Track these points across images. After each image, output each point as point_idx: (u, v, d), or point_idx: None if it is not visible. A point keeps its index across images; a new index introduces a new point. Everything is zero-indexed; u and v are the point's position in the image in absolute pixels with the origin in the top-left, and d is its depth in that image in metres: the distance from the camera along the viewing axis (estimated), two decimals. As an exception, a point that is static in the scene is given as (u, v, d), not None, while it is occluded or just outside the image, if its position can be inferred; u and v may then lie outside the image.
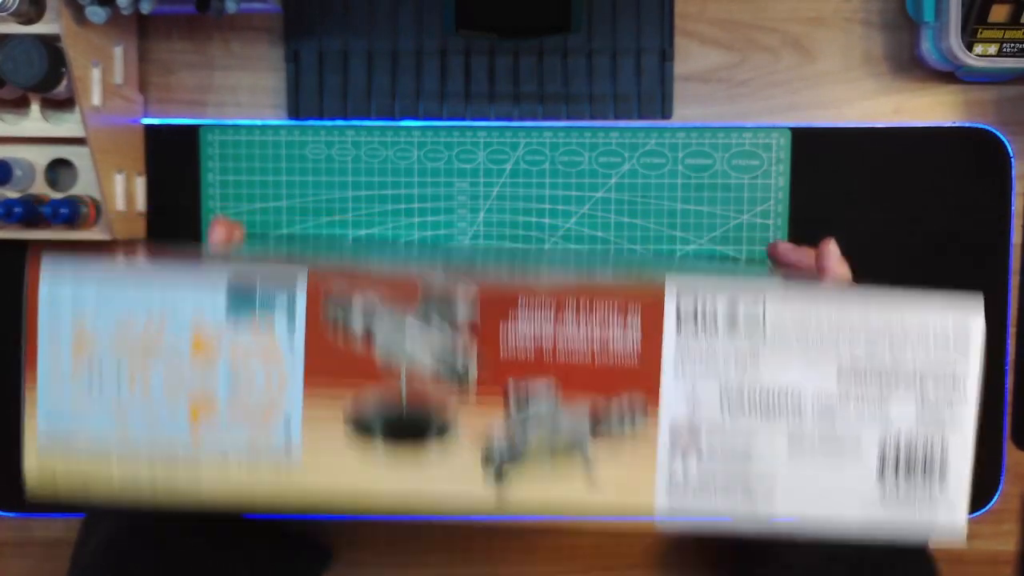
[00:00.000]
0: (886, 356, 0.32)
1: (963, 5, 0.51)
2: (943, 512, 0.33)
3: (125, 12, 0.47)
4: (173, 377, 0.33)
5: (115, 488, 0.33)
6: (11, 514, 0.57)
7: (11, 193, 0.53)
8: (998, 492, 0.56)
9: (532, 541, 0.58)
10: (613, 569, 0.58)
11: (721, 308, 0.32)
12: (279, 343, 0.32)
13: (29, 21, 0.47)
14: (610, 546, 0.57)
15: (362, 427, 0.33)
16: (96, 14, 0.46)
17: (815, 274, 0.45)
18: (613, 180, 0.56)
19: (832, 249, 0.46)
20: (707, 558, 0.57)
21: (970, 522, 0.57)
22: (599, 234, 0.56)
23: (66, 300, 0.33)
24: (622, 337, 0.32)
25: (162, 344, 0.32)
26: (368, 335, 0.32)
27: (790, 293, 0.32)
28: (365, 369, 0.32)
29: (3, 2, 0.45)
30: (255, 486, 0.33)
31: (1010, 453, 0.56)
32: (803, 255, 0.48)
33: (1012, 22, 0.51)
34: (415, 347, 0.32)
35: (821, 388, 0.32)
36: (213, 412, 0.33)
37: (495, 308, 0.32)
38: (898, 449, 0.33)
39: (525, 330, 0.32)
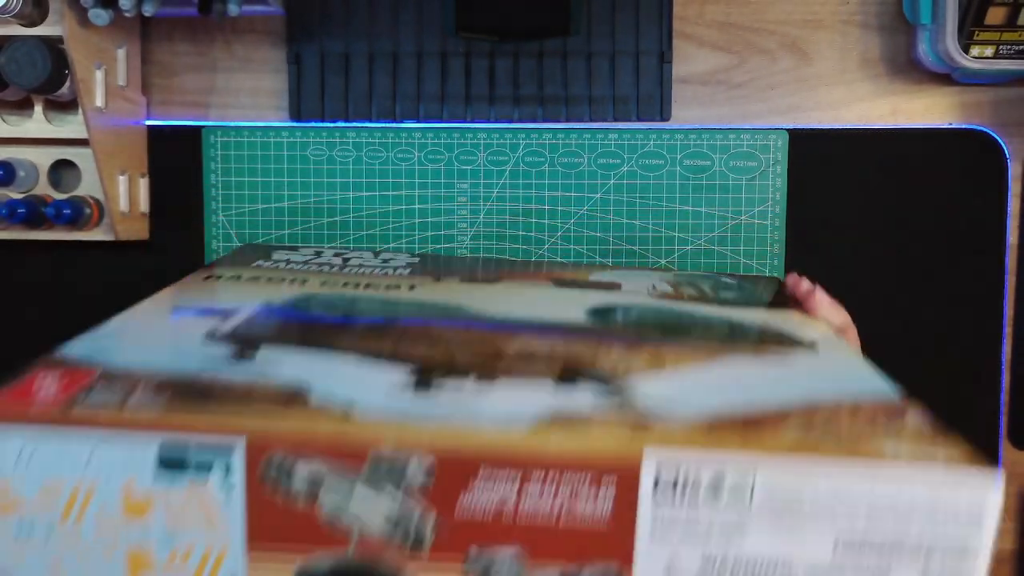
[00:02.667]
0: (889, 529, 0.29)
1: (960, 7, 0.51)
2: None
3: (128, 14, 0.47)
4: (107, 536, 0.31)
5: None
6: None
7: (14, 194, 0.54)
8: (995, 491, 0.57)
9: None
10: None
11: (705, 479, 0.29)
12: (218, 505, 0.30)
13: (32, 23, 0.48)
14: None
15: None
16: (99, 16, 0.47)
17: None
18: (612, 181, 0.56)
19: (820, 299, 0.45)
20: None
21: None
22: (598, 235, 0.56)
23: None
24: (593, 505, 0.30)
25: (92, 505, 0.31)
26: (313, 499, 0.30)
27: (783, 465, 0.29)
28: (312, 532, 0.30)
29: (6, 4, 0.45)
30: None
31: (1007, 452, 0.57)
32: (804, 296, 0.46)
33: (1008, 24, 0.51)
34: (365, 511, 0.30)
35: (815, 561, 0.30)
36: (151, 570, 0.31)
37: (452, 475, 0.29)
38: None
39: (486, 497, 0.30)
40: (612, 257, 0.57)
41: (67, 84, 0.49)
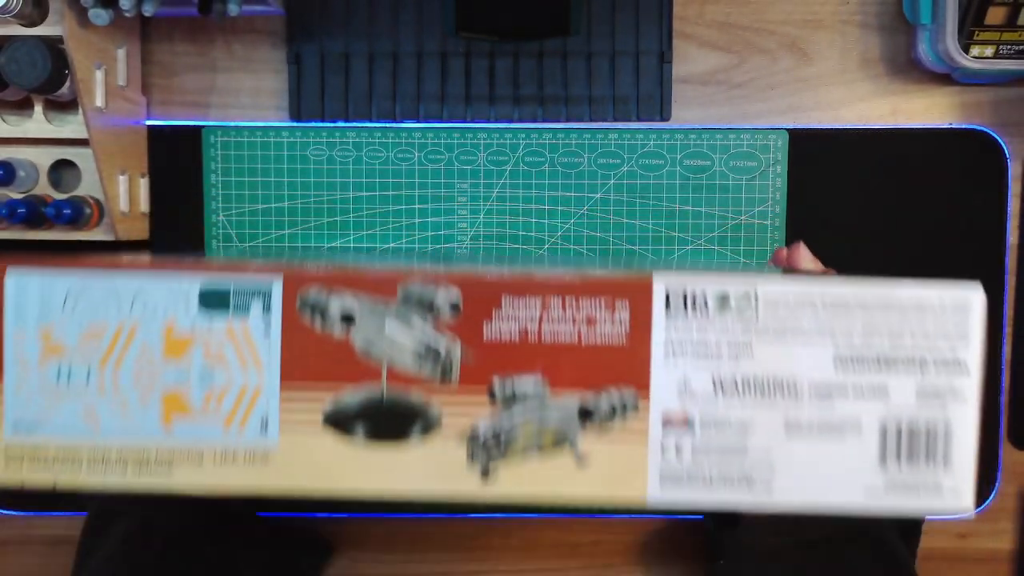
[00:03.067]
0: (884, 342, 0.32)
1: (960, 7, 0.51)
2: (948, 497, 0.32)
3: (128, 14, 0.47)
4: (145, 378, 0.32)
5: (84, 483, 0.33)
6: (13, 512, 0.58)
7: (14, 194, 0.54)
8: (995, 491, 0.57)
9: (531, 538, 0.58)
10: (612, 566, 0.58)
11: (711, 293, 0.32)
12: (255, 342, 0.32)
13: (32, 23, 0.48)
14: (609, 543, 0.58)
15: (342, 425, 0.32)
16: (99, 16, 0.47)
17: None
18: (612, 181, 0.56)
19: (804, 253, 0.46)
20: (704, 554, 0.58)
21: (967, 521, 0.57)
22: (598, 235, 0.56)
23: (32, 306, 0.32)
24: (610, 327, 0.32)
25: (133, 347, 0.32)
26: (347, 333, 0.32)
27: (782, 279, 0.32)
28: (344, 367, 0.32)
29: (6, 4, 0.45)
30: (230, 482, 0.33)
31: (1007, 452, 0.57)
32: (790, 253, 0.48)
33: (1008, 24, 0.51)
34: (395, 344, 0.32)
35: (818, 375, 0.32)
36: (186, 412, 0.32)
37: (478, 305, 0.32)
38: (899, 434, 0.32)
39: (510, 325, 0.32)
40: (612, 257, 0.57)
41: (67, 84, 0.49)
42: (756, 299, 0.32)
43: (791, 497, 0.32)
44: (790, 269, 0.48)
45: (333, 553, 0.56)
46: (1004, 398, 0.56)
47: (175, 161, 0.56)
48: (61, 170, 0.55)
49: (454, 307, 0.32)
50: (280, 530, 0.52)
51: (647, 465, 0.32)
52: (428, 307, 0.32)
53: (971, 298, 0.32)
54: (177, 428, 0.32)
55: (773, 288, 0.32)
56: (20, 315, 0.32)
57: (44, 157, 0.54)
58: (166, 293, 0.32)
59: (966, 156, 0.56)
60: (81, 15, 0.47)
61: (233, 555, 0.48)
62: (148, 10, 0.47)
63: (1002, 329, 0.56)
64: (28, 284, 0.32)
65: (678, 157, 0.56)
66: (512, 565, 0.58)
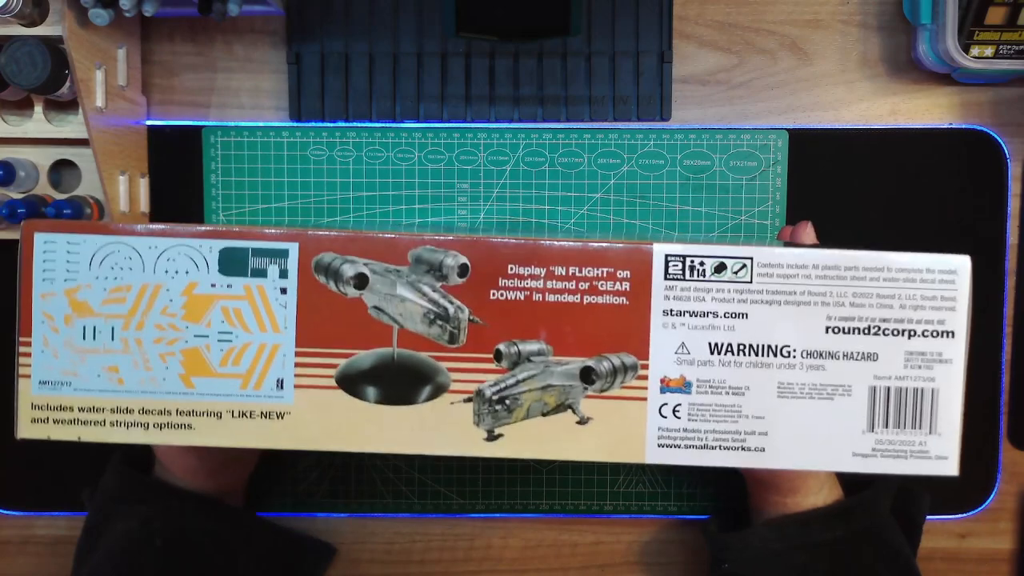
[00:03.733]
0: (874, 309, 0.33)
1: (960, 7, 0.51)
2: (935, 459, 0.33)
3: (128, 14, 0.47)
4: (166, 337, 0.34)
5: (107, 438, 0.34)
6: (14, 512, 0.58)
7: (14, 194, 0.54)
8: (994, 491, 0.57)
9: (531, 538, 0.58)
10: (612, 566, 0.58)
11: (709, 261, 0.33)
12: (272, 305, 0.33)
13: (32, 23, 0.48)
14: (609, 543, 0.58)
15: (354, 385, 0.33)
16: (99, 16, 0.47)
17: None
18: (612, 181, 0.56)
19: (808, 231, 0.47)
20: (706, 555, 0.58)
21: (966, 521, 0.57)
22: (598, 234, 0.56)
23: (59, 266, 0.33)
24: (612, 294, 0.33)
25: (155, 307, 0.33)
26: (359, 297, 0.33)
27: (777, 248, 0.33)
28: (356, 329, 0.33)
29: (6, 4, 0.45)
30: (247, 437, 0.34)
31: (1006, 452, 0.57)
32: (796, 229, 0.49)
33: (1009, 24, 0.51)
34: (406, 308, 0.33)
35: (810, 340, 0.33)
36: (206, 371, 0.34)
37: (485, 271, 0.33)
38: (888, 397, 0.33)
39: (516, 291, 0.33)
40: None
41: (67, 84, 0.49)
42: (752, 267, 0.33)
43: (783, 458, 0.34)
44: (791, 244, 0.49)
45: (335, 555, 0.56)
46: (1004, 398, 0.56)
47: (175, 161, 0.56)
48: (61, 170, 0.55)
49: (462, 273, 0.33)
50: (281, 532, 0.52)
51: (646, 427, 0.33)
52: (437, 272, 0.33)
53: (958, 265, 0.33)
54: (197, 386, 0.34)
55: (768, 256, 0.33)
56: (47, 275, 0.33)
57: (44, 157, 0.54)
58: (188, 255, 0.33)
59: (966, 156, 0.56)
60: (81, 15, 0.47)
61: (233, 556, 0.48)
62: (148, 10, 0.47)
63: (1002, 329, 0.56)
64: (56, 245, 0.33)
65: (678, 157, 0.56)
66: (512, 565, 0.58)
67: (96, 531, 0.48)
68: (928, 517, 0.51)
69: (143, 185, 0.56)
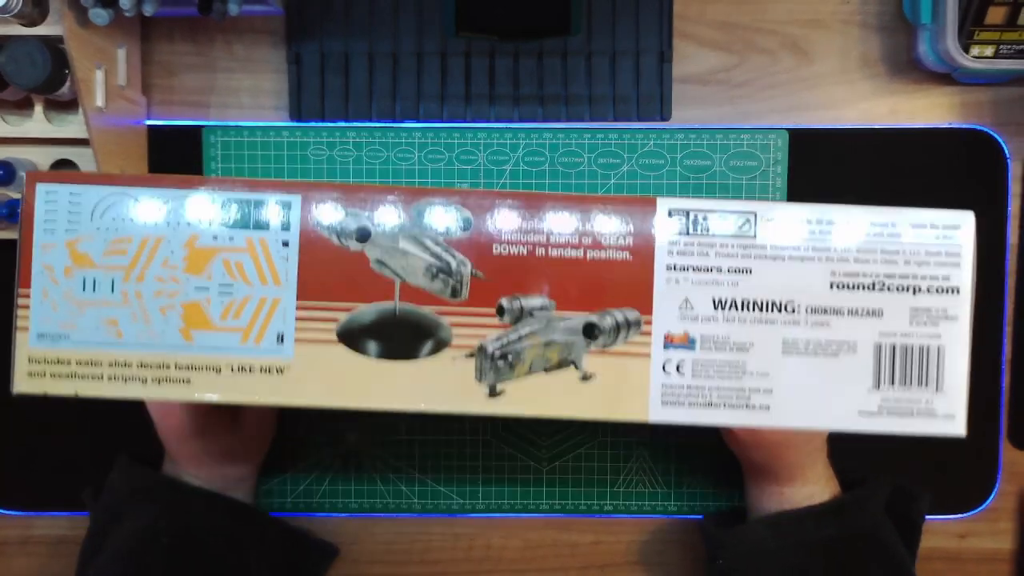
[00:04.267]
0: (879, 265, 0.32)
1: (960, 7, 0.51)
2: (941, 419, 0.33)
3: (128, 14, 0.47)
4: (167, 290, 0.33)
5: (104, 393, 0.34)
6: (14, 512, 0.58)
7: (14, 194, 0.54)
8: (995, 491, 0.57)
9: (531, 538, 0.58)
10: (612, 566, 0.58)
11: (713, 216, 0.32)
12: (273, 258, 0.33)
13: (32, 23, 0.48)
14: (609, 543, 0.58)
15: (355, 340, 0.33)
16: (99, 16, 0.47)
17: None
18: (612, 181, 0.56)
19: None
20: (703, 554, 0.58)
21: (966, 521, 0.57)
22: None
23: (61, 217, 0.33)
24: (615, 248, 0.33)
25: (156, 260, 0.33)
26: (361, 251, 0.33)
27: (781, 204, 0.33)
28: (358, 283, 0.33)
29: (6, 4, 0.45)
30: (247, 393, 0.33)
31: (1007, 452, 0.57)
32: None
33: (1009, 24, 0.51)
34: (408, 262, 0.33)
35: (815, 296, 0.33)
36: (206, 324, 0.33)
37: (488, 224, 0.33)
38: (893, 355, 0.32)
39: (519, 245, 0.33)
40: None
41: (67, 84, 0.49)
42: (756, 222, 0.32)
43: (788, 415, 0.33)
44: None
45: (338, 555, 0.56)
46: (1004, 398, 0.56)
47: (175, 161, 0.56)
48: (61, 170, 0.55)
49: (465, 226, 0.32)
50: (288, 529, 0.52)
51: (649, 383, 0.33)
52: (441, 222, 0.33)
53: (962, 220, 0.32)
54: (197, 340, 0.33)
55: (772, 211, 0.33)
56: (48, 226, 0.33)
57: (44, 157, 0.54)
58: (189, 207, 0.33)
59: (966, 156, 0.56)
60: (81, 15, 0.47)
61: (242, 554, 0.48)
62: (148, 10, 0.47)
63: (1002, 329, 0.56)
64: (57, 196, 0.33)
65: (678, 157, 0.56)
66: (512, 565, 0.58)
67: (103, 531, 0.48)
68: (928, 517, 0.51)
69: (143, 185, 0.56)
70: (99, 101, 0.50)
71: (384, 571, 0.58)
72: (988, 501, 0.57)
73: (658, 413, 0.33)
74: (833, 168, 0.56)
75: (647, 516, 0.57)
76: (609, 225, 0.33)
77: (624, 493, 0.57)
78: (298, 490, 0.57)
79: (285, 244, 0.33)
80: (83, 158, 0.54)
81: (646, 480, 0.57)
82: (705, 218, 0.32)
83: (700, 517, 0.57)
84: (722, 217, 0.32)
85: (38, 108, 0.52)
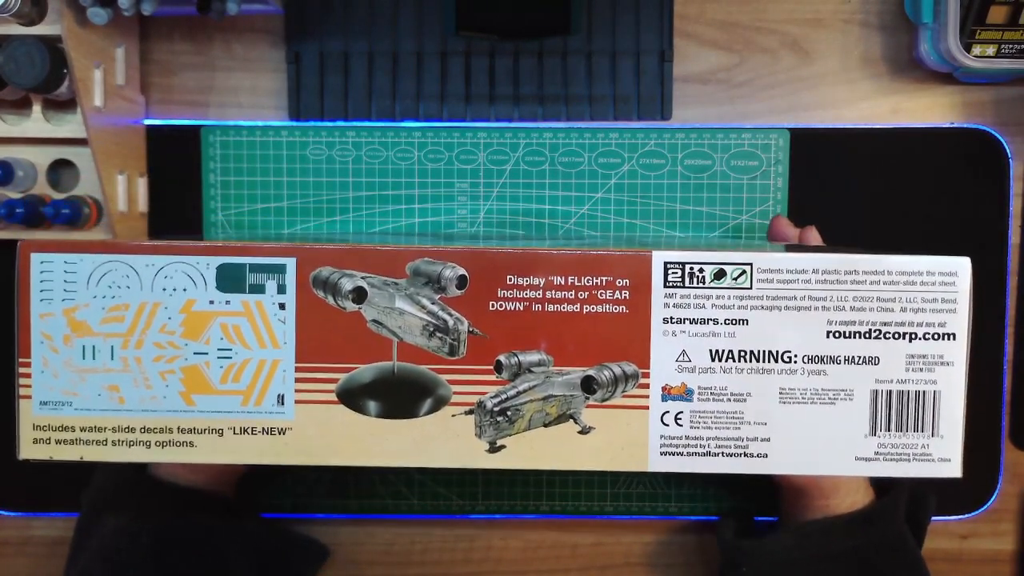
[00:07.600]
0: (875, 312, 0.33)
1: (961, 6, 0.51)
2: (937, 462, 0.33)
3: (127, 13, 0.47)
4: (166, 355, 0.33)
5: (109, 457, 0.34)
6: (12, 513, 0.58)
7: (13, 194, 0.53)
8: (996, 491, 0.57)
9: (531, 540, 0.58)
10: (612, 568, 0.58)
11: (708, 268, 0.33)
12: (271, 321, 0.33)
13: (31, 22, 0.47)
14: (609, 544, 0.58)
15: (355, 401, 0.33)
16: (98, 15, 0.46)
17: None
18: (613, 181, 0.56)
19: (814, 236, 0.47)
20: (707, 556, 0.58)
21: (968, 522, 0.57)
22: (598, 234, 0.56)
23: (57, 285, 0.33)
24: (613, 300, 0.33)
25: (154, 325, 0.33)
26: (358, 311, 0.33)
27: (776, 252, 0.33)
28: (356, 343, 0.33)
29: (4, 3, 0.45)
30: (250, 454, 0.34)
31: (1008, 452, 0.57)
32: (792, 234, 0.49)
33: (1010, 23, 0.51)
34: (405, 321, 0.33)
35: (811, 344, 0.33)
36: (206, 388, 0.33)
37: (484, 282, 0.33)
38: (890, 401, 0.33)
39: (515, 302, 0.33)
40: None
41: (65, 83, 0.49)
42: (752, 272, 0.33)
43: (786, 463, 0.33)
44: (793, 246, 0.49)
45: (329, 555, 0.56)
46: (1005, 398, 0.56)
47: (174, 161, 0.56)
48: (59, 170, 0.55)
49: (461, 284, 0.33)
50: (272, 529, 0.52)
51: (648, 435, 0.33)
52: (436, 284, 0.33)
53: (958, 266, 0.33)
54: (198, 403, 0.33)
55: (768, 262, 0.33)
56: (45, 296, 0.33)
57: (42, 156, 0.54)
58: (185, 272, 0.33)
59: (967, 156, 0.56)
60: (80, 14, 0.47)
61: (223, 553, 0.48)
62: (147, 9, 0.47)
63: (1003, 329, 0.56)
64: (53, 265, 0.33)
65: (679, 156, 0.56)
66: (512, 567, 0.58)
67: (87, 530, 0.48)
68: (931, 519, 0.51)
69: (142, 185, 0.56)
70: (97, 101, 0.50)
71: (383, 573, 0.58)
72: (990, 502, 0.57)
73: (657, 463, 0.33)
74: (834, 168, 0.56)
75: (647, 517, 0.57)
76: (605, 279, 0.33)
77: (624, 494, 0.57)
78: (296, 491, 0.57)
79: (282, 307, 0.33)
80: (81, 158, 0.54)
81: (647, 481, 0.57)
82: (701, 270, 0.33)
83: (700, 519, 0.57)
84: (718, 269, 0.33)
85: (36, 108, 0.52)
